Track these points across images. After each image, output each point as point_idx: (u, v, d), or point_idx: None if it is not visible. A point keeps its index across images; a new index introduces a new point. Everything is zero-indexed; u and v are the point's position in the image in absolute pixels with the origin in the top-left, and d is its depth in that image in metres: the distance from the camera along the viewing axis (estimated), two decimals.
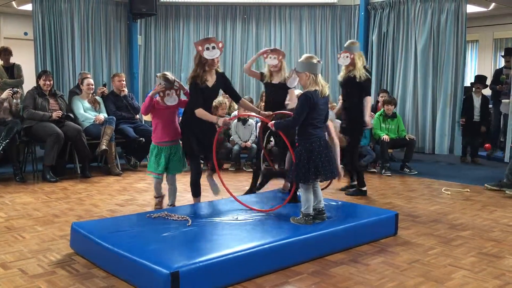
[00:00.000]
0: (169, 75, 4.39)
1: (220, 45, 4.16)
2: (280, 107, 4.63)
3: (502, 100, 7.41)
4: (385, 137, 6.95)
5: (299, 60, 3.78)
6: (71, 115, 6.58)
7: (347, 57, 5.22)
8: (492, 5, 9.97)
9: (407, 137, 7.13)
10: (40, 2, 7.97)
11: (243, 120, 7.28)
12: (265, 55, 4.83)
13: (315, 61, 3.70)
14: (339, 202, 4.51)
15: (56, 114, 6.30)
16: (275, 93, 4.82)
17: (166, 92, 4.34)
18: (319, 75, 3.72)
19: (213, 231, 3.46)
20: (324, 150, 3.69)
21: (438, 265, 3.34)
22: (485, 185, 5.99)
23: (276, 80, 4.84)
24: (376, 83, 8.97)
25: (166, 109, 4.42)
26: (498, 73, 8.50)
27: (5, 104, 6.24)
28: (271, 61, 4.78)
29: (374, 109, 8.05)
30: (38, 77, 6.56)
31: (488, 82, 8.53)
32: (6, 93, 6.14)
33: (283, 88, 4.77)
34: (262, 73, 4.95)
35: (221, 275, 2.91)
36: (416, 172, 6.99)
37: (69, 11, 8.28)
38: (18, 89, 6.49)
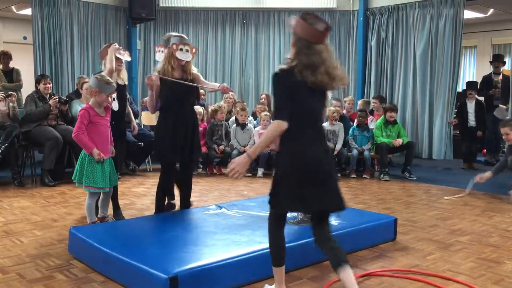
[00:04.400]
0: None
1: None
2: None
3: (500, 105, 7.42)
4: (398, 141, 7.05)
5: None
6: (66, 98, 6.69)
7: (162, 51, 4.47)
8: (490, 11, 10.02)
9: (395, 143, 7.09)
10: (40, 7, 7.98)
11: (242, 125, 7.29)
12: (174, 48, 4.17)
13: None
14: None
15: (53, 101, 6.32)
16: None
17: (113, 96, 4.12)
18: None
19: (212, 236, 3.45)
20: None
21: (437, 270, 3.34)
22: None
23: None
24: (375, 89, 9.00)
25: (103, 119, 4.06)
26: (486, 79, 8.55)
27: (3, 108, 6.23)
28: (184, 56, 4.16)
29: (370, 113, 8.08)
30: (37, 82, 6.56)
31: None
32: None
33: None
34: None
35: (220, 280, 2.91)
36: (416, 178, 6.98)
37: (69, 16, 8.30)
38: (12, 93, 6.48)
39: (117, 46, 4.43)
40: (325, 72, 2.47)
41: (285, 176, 2.54)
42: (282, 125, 2.46)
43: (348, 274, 2.48)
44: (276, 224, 2.72)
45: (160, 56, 4.47)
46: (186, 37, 4.27)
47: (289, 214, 3.85)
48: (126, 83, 4.63)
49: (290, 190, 2.53)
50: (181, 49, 4.11)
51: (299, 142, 2.52)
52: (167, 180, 4.32)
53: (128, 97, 7.37)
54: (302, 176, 2.50)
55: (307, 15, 2.49)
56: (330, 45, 2.57)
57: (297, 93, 2.49)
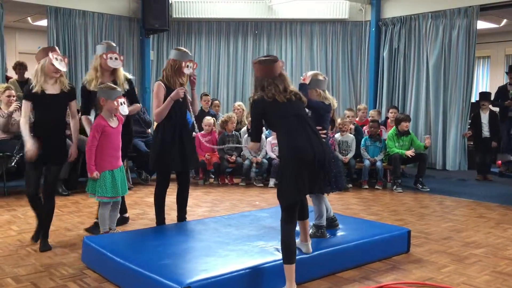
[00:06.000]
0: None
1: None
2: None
3: None
4: (409, 152, 6.99)
5: (304, 78, 3.90)
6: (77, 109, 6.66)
7: (116, 58, 4.31)
8: (504, 21, 9.96)
9: (407, 153, 7.04)
10: (55, 18, 8.10)
11: None
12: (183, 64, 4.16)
13: (321, 77, 3.88)
14: (351, 219, 4.49)
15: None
16: None
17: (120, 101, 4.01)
18: (326, 90, 3.91)
19: (225, 247, 3.45)
20: (336, 161, 3.82)
21: (451, 284, 3.30)
22: None
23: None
24: (387, 99, 8.96)
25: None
26: (501, 89, 8.47)
27: (19, 118, 6.31)
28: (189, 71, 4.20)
29: (384, 124, 8.04)
30: None
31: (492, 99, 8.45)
32: (13, 106, 6.21)
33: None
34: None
35: None
36: (429, 189, 6.92)
37: (83, 27, 8.40)
38: None
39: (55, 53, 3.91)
40: (282, 92, 3.09)
41: (286, 169, 2.99)
42: (256, 145, 3.30)
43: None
44: (286, 219, 3.02)
45: (115, 63, 4.29)
46: (189, 53, 4.33)
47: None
48: (66, 89, 4.01)
49: (291, 181, 2.96)
50: (187, 66, 4.19)
51: (290, 140, 3.02)
52: (164, 190, 4.34)
53: (140, 107, 7.46)
54: (297, 165, 2.96)
55: (259, 58, 3.21)
56: (282, 74, 3.18)
57: (271, 111, 3.08)
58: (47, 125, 3.94)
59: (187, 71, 4.19)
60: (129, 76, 4.51)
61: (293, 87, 3.21)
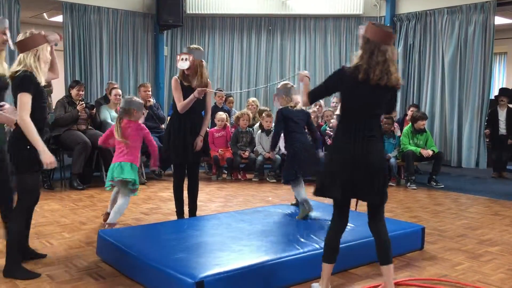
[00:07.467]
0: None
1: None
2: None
3: None
4: (427, 152, 6.94)
5: (277, 87, 4.62)
6: (92, 103, 6.94)
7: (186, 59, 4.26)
8: None
9: (424, 153, 6.96)
10: (71, 14, 8.16)
11: (267, 131, 7.30)
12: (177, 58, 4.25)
13: (289, 86, 4.55)
14: (365, 215, 4.46)
15: (80, 107, 6.44)
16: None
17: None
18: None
19: (238, 242, 3.46)
20: (304, 152, 4.35)
21: (466, 281, 3.27)
22: None
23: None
24: (402, 96, 8.90)
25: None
26: None
27: None
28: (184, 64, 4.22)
29: (402, 122, 7.98)
30: (71, 87, 6.70)
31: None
32: None
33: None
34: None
35: (245, 285, 2.91)
36: (443, 186, 6.86)
37: (98, 23, 8.46)
38: None
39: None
40: (381, 70, 2.80)
41: (327, 162, 2.99)
42: (306, 102, 3.05)
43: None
44: (333, 214, 2.98)
45: (184, 64, 4.24)
46: (192, 48, 4.34)
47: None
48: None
49: (330, 176, 2.90)
50: (182, 59, 4.22)
51: (344, 138, 2.86)
52: (178, 182, 4.48)
53: (154, 103, 7.50)
54: (336, 161, 2.88)
55: (375, 22, 2.91)
56: (393, 47, 2.90)
57: (347, 92, 2.87)
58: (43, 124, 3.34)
59: (181, 64, 4.18)
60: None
61: (395, 67, 2.90)
